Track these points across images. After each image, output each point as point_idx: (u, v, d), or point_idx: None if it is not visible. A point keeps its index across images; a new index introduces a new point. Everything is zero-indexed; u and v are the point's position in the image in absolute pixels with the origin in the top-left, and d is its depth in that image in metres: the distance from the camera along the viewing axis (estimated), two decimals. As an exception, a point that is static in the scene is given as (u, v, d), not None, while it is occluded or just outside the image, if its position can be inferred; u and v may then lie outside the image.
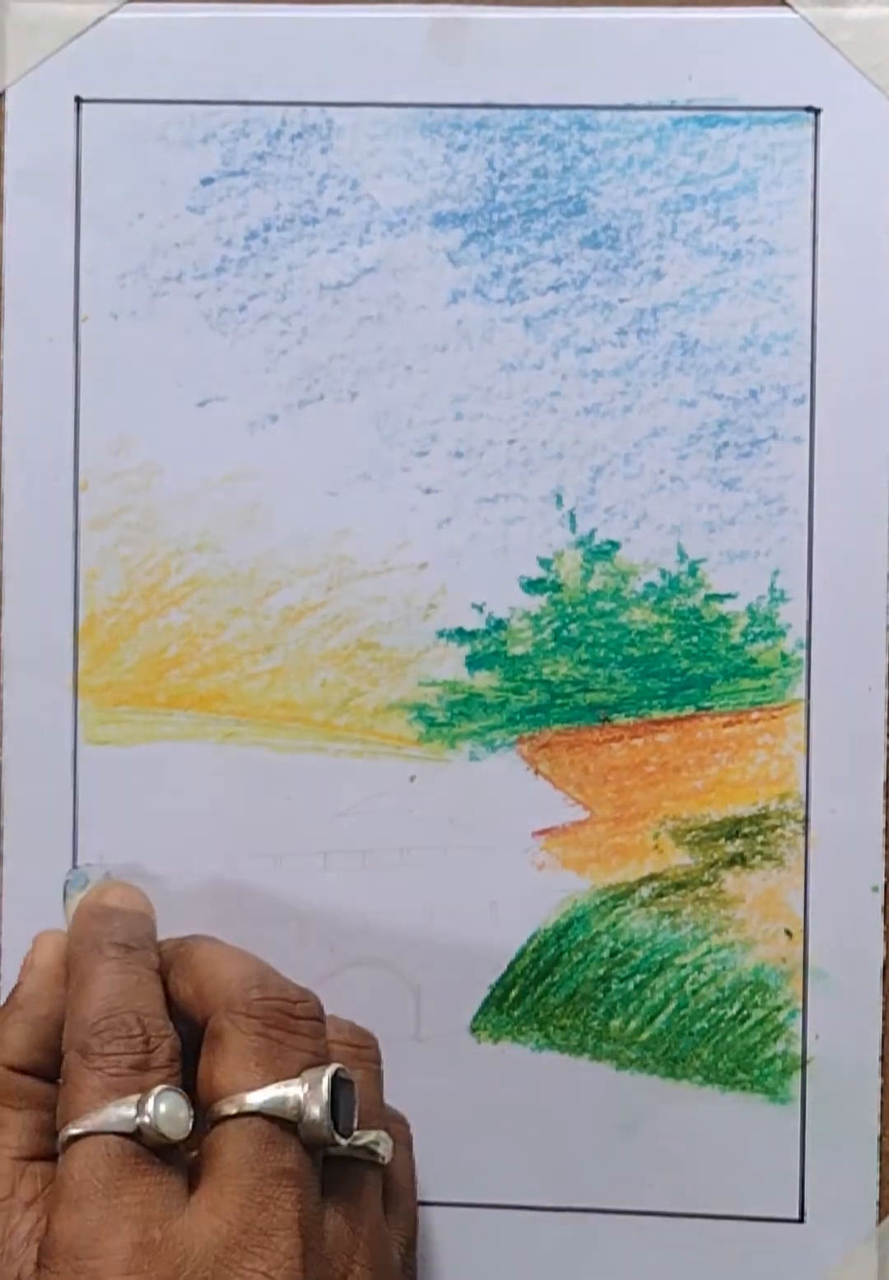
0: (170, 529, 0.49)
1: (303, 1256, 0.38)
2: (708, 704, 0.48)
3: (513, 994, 0.48)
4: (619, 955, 0.48)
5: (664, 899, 0.48)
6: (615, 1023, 0.48)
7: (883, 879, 0.47)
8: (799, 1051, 0.48)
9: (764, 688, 0.48)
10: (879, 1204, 0.47)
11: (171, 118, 0.48)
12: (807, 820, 0.48)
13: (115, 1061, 0.40)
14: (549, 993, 0.48)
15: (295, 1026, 0.41)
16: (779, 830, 0.48)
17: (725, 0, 0.47)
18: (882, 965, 0.47)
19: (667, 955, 0.48)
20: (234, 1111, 0.40)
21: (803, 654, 0.47)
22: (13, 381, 0.49)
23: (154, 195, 0.48)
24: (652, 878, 0.48)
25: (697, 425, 0.48)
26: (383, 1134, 0.42)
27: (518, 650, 0.48)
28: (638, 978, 0.48)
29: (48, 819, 0.49)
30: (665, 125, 0.47)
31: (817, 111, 0.47)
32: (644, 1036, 0.48)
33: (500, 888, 0.48)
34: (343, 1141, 0.40)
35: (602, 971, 0.48)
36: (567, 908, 0.48)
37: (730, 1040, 0.48)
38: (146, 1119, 0.39)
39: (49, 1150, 0.41)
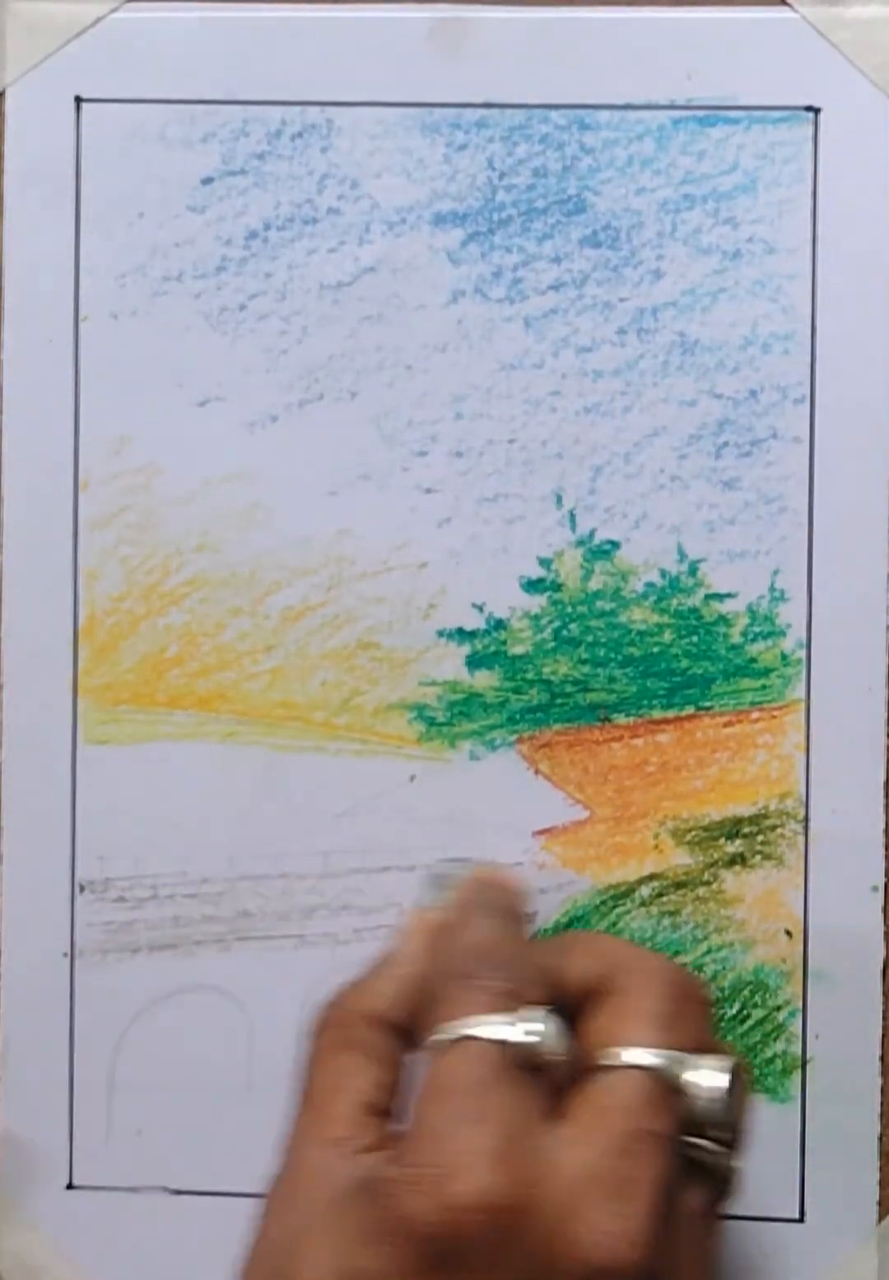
0: (170, 529, 0.49)
1: (656, 1217, 0.37)
2: (708, 704, 0.48)
3: (513, 994, 0.48)
4: (619, 955, 0.48)
5: (664, 899, 0.48)
6: (615, 1023, 0.48)
7: (883, 879, 0.47)
8: (799, 1051, 0.48)
9: (764, 687, 0.48)
10: (879, 1204, 0.47)
11: (171, 118, 0.48)
12: (807, 820, 0.48)
13: (491, 986, 0.39)
14: (549, 992, 0.48)
15: (701, 1006, 0.40)
16: (779, 830, 0.48)
17: (725, 0, 0.47)
18: (882, 965, 0.47)
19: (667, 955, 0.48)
20: (624, 1063, 0.38)
21: (803, 654, 0.47)
22: (13, 381, 0.49)
23: (154, 195, 0.48)
24: (652, 877, 0.48)
25: (697, 425, 0.48)
26: (740, 1160, 0.41)
27: (518, 650, 0.48)
28: (638, 977, 0.48)
29: (48, 819, 0.49)
30: (665, 125, 0.47)
31: (817, 111, 0.47)
32: (644, 1036, 0.48)
33: (500, 887, 0.48)
34: (718, 1139, 0.39)
35: (602, 971, 0.48)
36: (566, 907, 0.48)
37: (730, 1040, 0.48)
38: (524, 1034, 0.38)
39: (392, 1108, 0.40)
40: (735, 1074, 0.39)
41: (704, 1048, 0.40)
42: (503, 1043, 0.38)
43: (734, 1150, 0.40)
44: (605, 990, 0.40)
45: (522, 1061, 0.38)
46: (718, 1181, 0.40)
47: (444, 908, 0.44)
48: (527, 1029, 0.38)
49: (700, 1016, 0.40)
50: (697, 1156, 0.39)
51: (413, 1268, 0.36)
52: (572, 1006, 0.40)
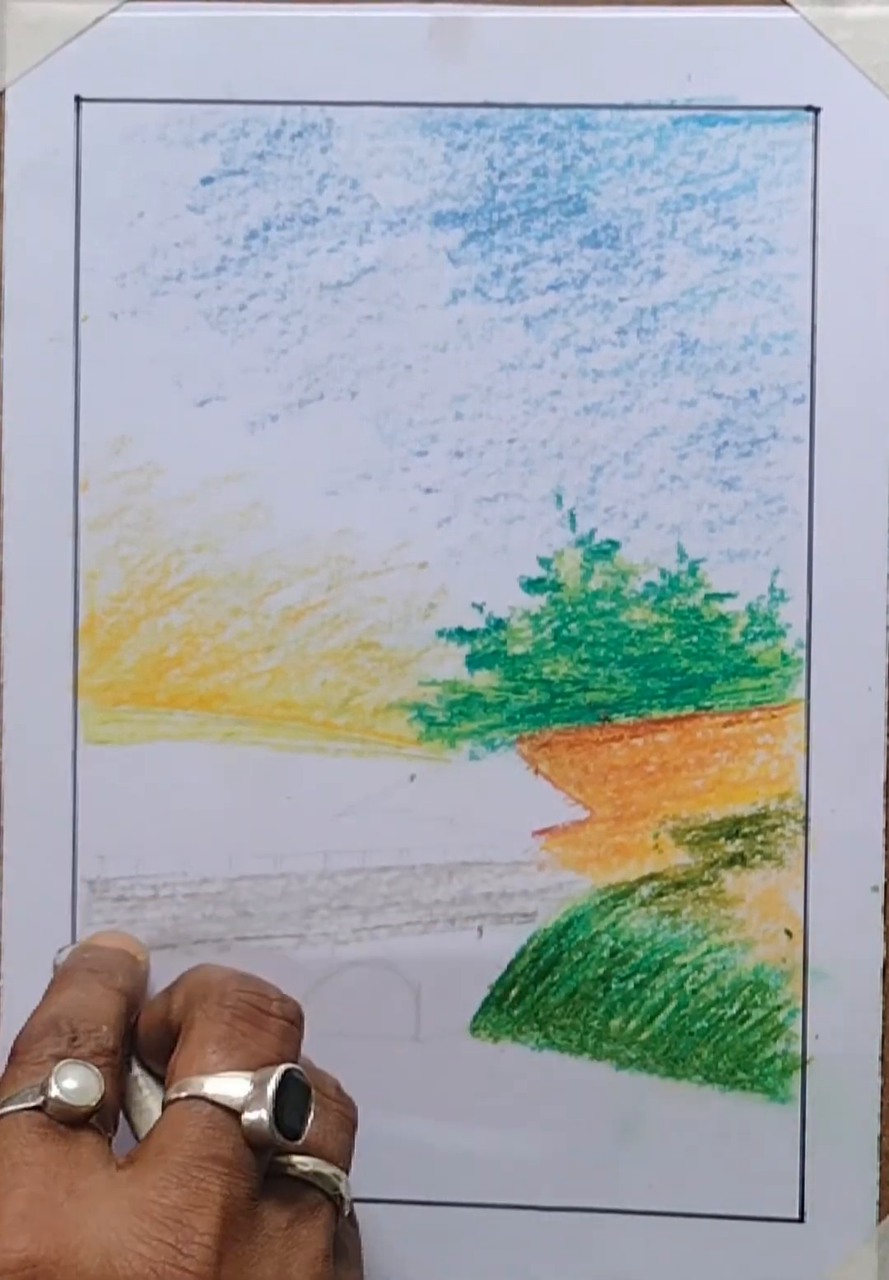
0: (170, 529, 0.49)
1: (220, 1240, 0.37)
2: (708, 704, 0.48)
3: (513, 994, 0.48)
4: (619, 955, 0.48)
5: (664, 899, 0.48)
6: (615, 1022, 0.48)
7: (883, 879, 0.47)
8: (799, 1051, 0.48)
9: (764, 687, 0.48)
10: (879, 1204, 0.47)
11: (171, 117, 0.48)
12: (807, 820, 0.47)
13: (37, 1055, 0.40)
14: (549, 992, 0.48)
15: (264, 1022, 0.41)
16: (779, 830, 0.48)
17: (725, 0, 0.47)
18: (882, 965, 0.47)
19: (667, 955, 0.48)
20: (182, 1095, 0.39)
21: (803, 654, 0.47)
22: (13, 381, 0.49)
23: (154, 195, 0.48)
24: (652, 877, 0.48)
25: (697, 425, 0.48)
26: (344, 1176, 0.41)
27: (518, 650, 0.48)
28: (638, 977, 0.48)
29: (48, 819, 0.49)
30: (665, 125, 0.47)
31: (816, 111, 0.47)
32: (644, 1036, 0.48)
33: (500, 887, 0.48)
34: (289, 1148, 0.39)
35: (602, 971, 0.48)
36: (566, 907, 0.48)
37: (730, 1040, 0.48)
38: (51, 1091, 0.39)
39: None
40: (288, 1080, 0.40)
41: (273, 1061, 0.40)
42: (40, 1106, 0.39)
43: (324, 1159, 0.40)
44: (185, 1024, 0.41)
45: (64, 1118, 0.39)
46: (320, 1193, 0.40)
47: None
48: (55, 1086, 0.39)
49: (266, 1033, 0.41)
50: (293, 1172, 0.40)
51: None
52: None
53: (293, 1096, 0.40)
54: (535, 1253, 0.48)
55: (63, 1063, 0.40)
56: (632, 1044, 0.48)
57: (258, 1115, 0.39)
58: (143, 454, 0.49)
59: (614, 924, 0.48)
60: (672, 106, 0.47)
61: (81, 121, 0.48)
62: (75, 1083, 0.39)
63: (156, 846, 0.49)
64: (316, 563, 0.48)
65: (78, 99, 0.48)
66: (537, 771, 0.48)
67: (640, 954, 0.48)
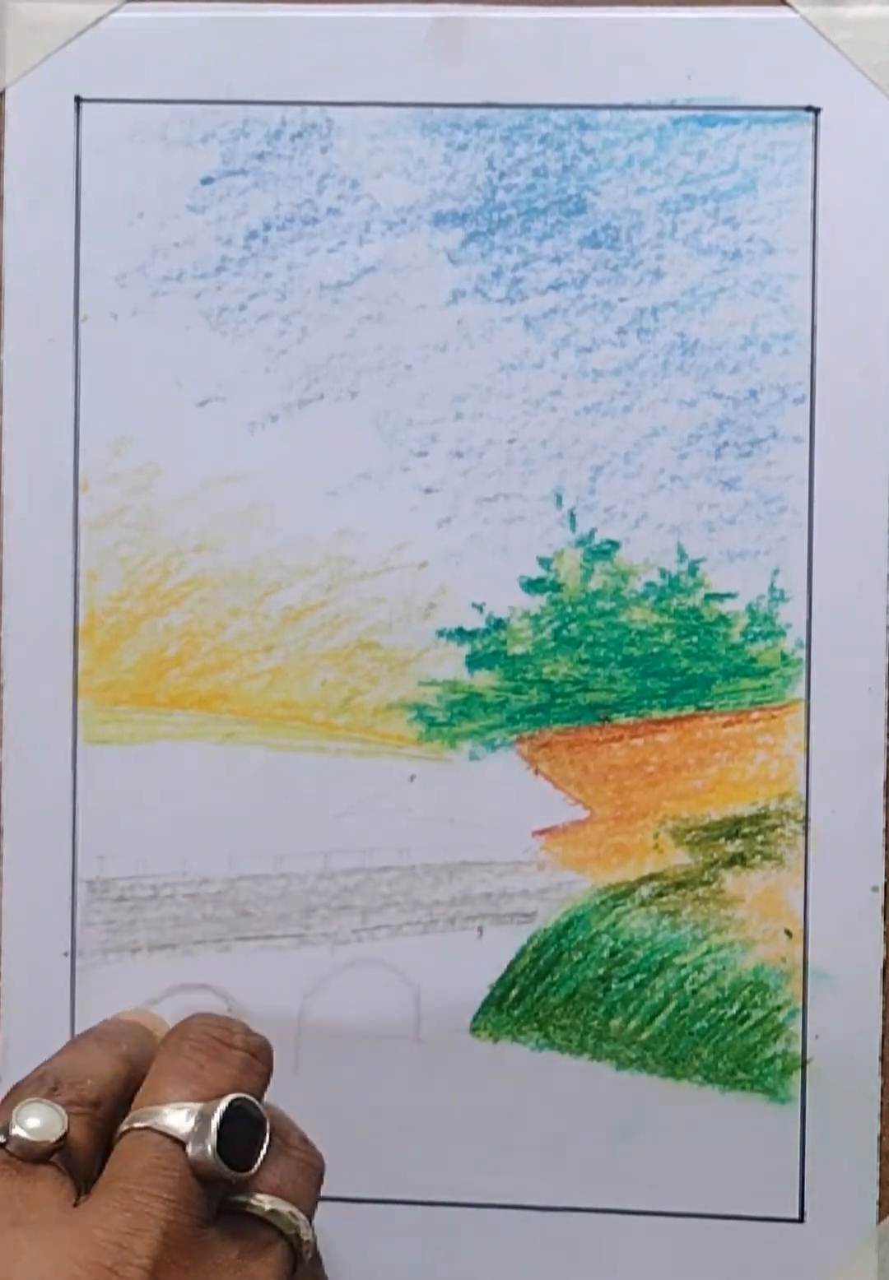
0: (170, 529, 0.49)
1: (158, 1264, 0.37)
2: (708, 704, 0.48)
3: (513, 994, 0.48)
4: (619, 955, 0.48)
5: (664, 899, 0.48)
6: (615, 1023, 0.48)
7: (883, 879, 0.47)
8: (799, 1051, 0.48)
9: (764, 687, 0.48)
10: (879, 1204, 0.47)
11: (171, 118, 0.48)
12: (807, 820, 0.48)
13: (15, 1101, 0.41)
14: (549, 992, 0.48)
15: (224, 1054, 0.41)
16: (779, 830, 0.48)
17: (725, 0, 0.47)
18: (882, 965, 0.47)
19: (667, 955, 0.48)
20: (133, 1126, 0.40)
21: (803, 654, 0.47)
22: (13, 381, 0.49)
23: (154, 195, 0.48)
24: (652, 877, 0.48)
25: (697, 425, 0.48)
26: (304, 1218, 0.41)
27: (518, 650, 0.48)
28: (638, 978, 0.48)
29: (48, 819, 0.49)
30: (665, 125, 0.47)
31: (817, 111, 0.47)
32: (644, 1036, 0.48)
33: (500, 887, 0.48)
34: (243, 1186, 0.39)
35: (601, 971, 0.48)
36: (567, 907, 0.48)
37: (730, 1040, 0.48)
38: (12, 1130, 0.39)
39: None
40: (235, 1111, 0.39)
41: (227, 1092, 0.40)
42: (2, 1144, 0.40)
43: (274, 1195, 0.40)
44: (154, 1064, 0.42)
45: (25, 1154, 0.39)
46: (276, 1231, 0.40)
47: None
48: (17, 1126, 0.40)
49: (224, 1065, 0.41)
50: (251, 1210, 0.40)
51: None
52: None
53: (241, 1129, 0.40)
54: (535, 1253, 0.48)
55: (26, 1102, 0.40)
56: (632, 1044, 0.48)
57: (201, 1147, 0.39)
58: (143, 454, 0.49)
59: (614, 924, 0.48)
60: (672, 107, 0.47)
61: (81, 121, 0.48)
62: (38, 1120, 0.40)
63: (156, 846, 0.49)
64: (316, 563, 0.48)
65: (78, 99, 0.48)
66: (537, 771, 0.48)
67: (640, 954, 0.48)
